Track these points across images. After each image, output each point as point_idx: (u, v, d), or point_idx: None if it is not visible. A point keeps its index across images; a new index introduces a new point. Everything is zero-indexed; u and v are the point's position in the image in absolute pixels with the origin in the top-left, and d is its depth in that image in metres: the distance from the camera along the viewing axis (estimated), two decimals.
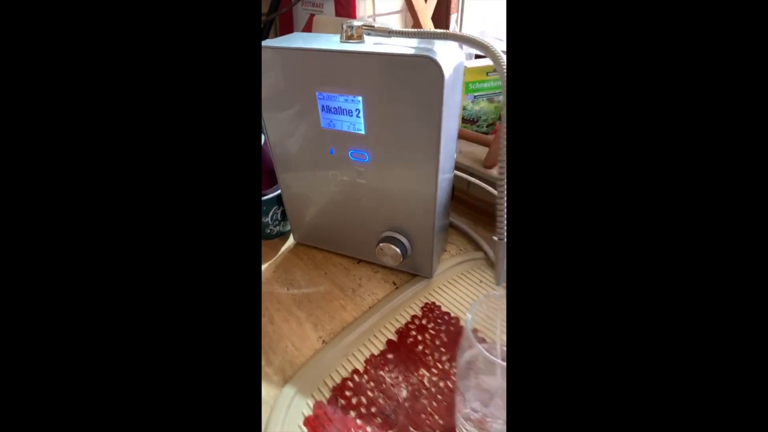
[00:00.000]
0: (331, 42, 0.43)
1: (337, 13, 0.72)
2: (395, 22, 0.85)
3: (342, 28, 0.43)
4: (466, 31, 0.76)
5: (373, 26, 0.41)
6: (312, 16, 0.77)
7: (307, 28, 0.79)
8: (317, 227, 0.59)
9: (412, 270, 0.56)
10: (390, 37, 0.41)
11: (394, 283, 0.56)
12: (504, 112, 0.38)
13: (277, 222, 0.62)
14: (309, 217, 0.59)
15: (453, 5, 0.80)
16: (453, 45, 0.41)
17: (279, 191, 0.59)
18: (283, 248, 0.63)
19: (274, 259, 0.61)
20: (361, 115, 0.44)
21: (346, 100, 0.43)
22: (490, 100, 0.68)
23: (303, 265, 0.60)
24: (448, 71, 0.38)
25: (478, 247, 0.61)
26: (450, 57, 0.39)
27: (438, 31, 0.38)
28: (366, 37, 0.43)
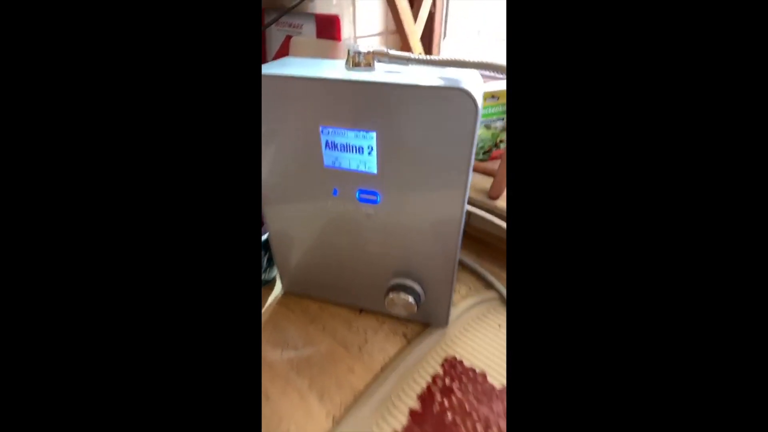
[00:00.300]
0: (335, 69, 0.37)
1: (319, 35, 0.66)
2: (376, 45, 0.80)
3: (348, 53, 0.37)
4: (445, 54, 0.73)
5: (388, 52, 0.36)
6: (289, 37, 0.70)
7: (283, 50, 0.72)
8: (311, 274, 0.52)
9: (425, 319, 0.50)
10: (408, 65, 0.36)
11: (405, 336, 0.50)
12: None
13: (262, 269, 0.54)
14: (302, 263, 0.51)
15: (436, 30, 0.77)
16: (473, 72, 0.37)
17: (265, 235, 0.51)
18: (270, 299, 0.55)
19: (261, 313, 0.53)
20: (373, 152, 0.38)
21: (357, 135, 0.37)
22: (487, 127, 0.65)
23: (296, 318, 0.52)
24: (480, 103, 0.33)
25: (488, 285, 0.56)
26: (476, 86, 0.34)
27: (470, 60, 0.33)
28: (377, 65, 0.37)
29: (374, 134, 0.37)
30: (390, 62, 0.36)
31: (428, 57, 0.34)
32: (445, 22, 0.76)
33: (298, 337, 0.49)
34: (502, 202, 0.57)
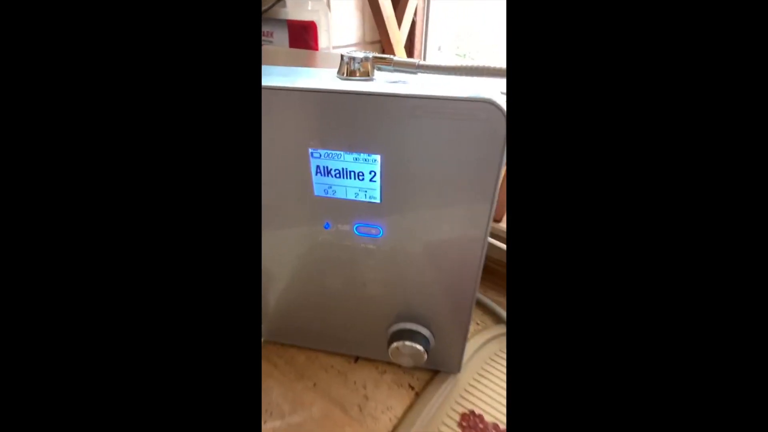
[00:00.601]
0: (324, 79, 0.30)
1: (292, 44, 0.60)
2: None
3: (342, 60, 0.31)
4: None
5: (392, 59, 0.30)
6: None
7: None
8: (298, 320, 0.44)
9: (433, 365, 0.43)
10: (416, 73, 0.30)
11: (411, 387, 0.43)
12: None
13: None
14: (287, 307, 0.43)
15: (417, 39, 0.73)
16: (496, 83, 0.31)
17: None
18: None
19: None
20: (377, 178, 0.31)
21: (357, 159, 0.30)
22: None
23: (280, 375, 0.43)
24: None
25: (498, 319, 0.50)
26: (501, 97, 0.29)
27: (494, 67, 0.27)
28: (377, 73, 0.31)
29: (378, 157, 0.30)
30: (394, 71, 0.30)
31: (444, 64, 0.29)
32: (426, 31, 0.72)
33: (284, 400, 0.41)
34: (504, 225, 0.52)
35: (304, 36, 0.56)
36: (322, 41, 0.59)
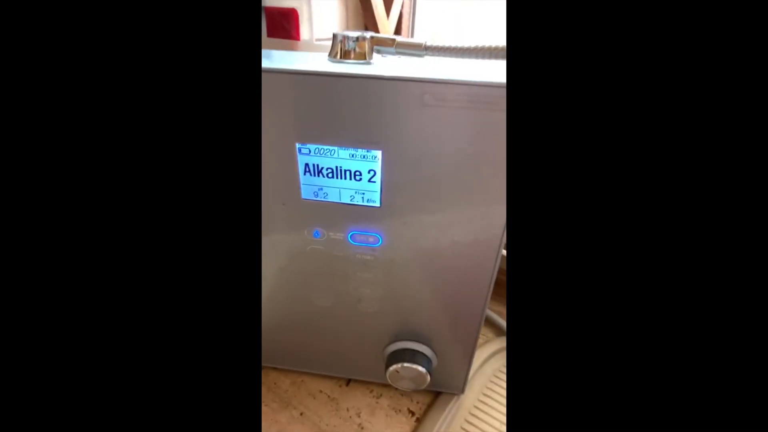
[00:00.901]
0: (314, 62, 0.26)
1: (270, 34, 0.54)
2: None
3: (336, 39, 0.26)
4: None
5: (394, 39, 0.25)
6: None
7: None
8: (282, 341, 0.39)
9: (435, 386, 0.39)
10: (423, 56, 0.26)
11: (411, 412, 0.38)
12: None
13: None
14: (270, 325, 0.38)
15: (404, 32, 0.69)
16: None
17: None
18: None
19: None
20: (377, 178, 0.27)
21: (353, 156, 0.26)
22: None
23: (261, 404, 0.38)
24: None
25: (500, 332, 0.47)
26: None
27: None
28: (375, 56, 0.27)
29: (379, 153, 0.26)
30: (397, 53, 0.26)
31: (458, 45, 0.24)
32: (413, 24, 0.68)
33: None
34: None
35: (284, 24, 0.51)
36: (304, 32, 0.54)
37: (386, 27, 0.51)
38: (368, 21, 0.50)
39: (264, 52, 0.29)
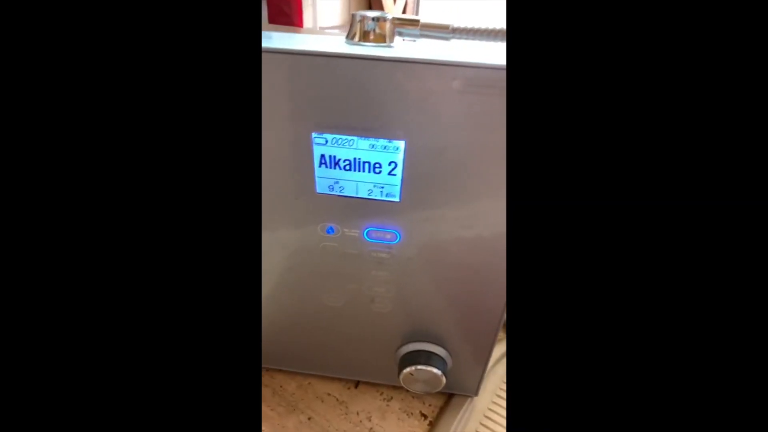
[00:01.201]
0: (331, 44, 0.24)
1: (272, 20, 0.52)
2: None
3: (354, 20, 0.24)
4: None
5: (418, 21, 0.23)
6: None
7: None
8: (289, 342, 0.37)
9: (448, 388, 0.38)
10: (450, 39, 0.24)
11: (424, 415, 0.37)
12: None
13: None
14: (276, 326, 0.36)
15: (409, 11, 0.67)
16: None
17: None
18: None
19: None
20: (398, 170, 0.25)
21: (374, 146, 0.24)
22: None
23: (267, 408, 0.36)
24: None
25: None
26: None
27: None
28: (396, 39, 0.25)
29: (402, 144, 0.24)
30: (421, 36, 0.24)
31: (489, 27, 0.23)
32: (417, 12, 0.66)
33: None
34: None
35: (286, 10, 0.49)
36: (307, 19, 0.52)
37: (392, 12, 0.49)
38: (376, 8, 0.48)
39: (276, 34, 0.27)
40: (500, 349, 0.43)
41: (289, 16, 0.50)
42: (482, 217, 0.26)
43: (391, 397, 0.38)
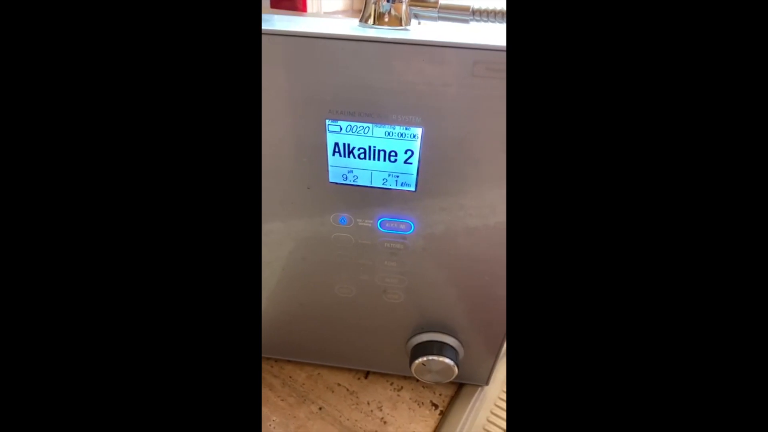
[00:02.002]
0: (343, 27, 0.23)
1: (273, 5, 0.51)
2: None
3: (368, 1, 0.23)
4: None
5: (437, 2, 0.22)
6: None
7: None
8: (299, 332, 0.37)
9: (459, 379, 0.38)
10: (469, 21, 0.23)
11: (435, 405, 0.37)
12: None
13: None
14: (287, 316, 0.35)
15: None
16: None
17: None
18: None
19: None
20: (414, 159, 0.24)
21: (389, 134, 0.23)
22: None
23: (277, 399, 0.36)
24: None
25: None
26: None
27: None
28: (413, 21, 0.24)
29: (419, 131, 0.23)
30: (439, 18, 0.23)
31: (505, 9, 0.22)
32: None
33: (285, 431, 0.34)
34: None
35: None
36: (312, 3, 0.50)
37: None
38: None
39: (285, 17, 0.26)
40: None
41: (292, 0, 0.49)
42: (498, 207, 0.26)
43: (402, 387, 0.38)
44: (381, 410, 0.36)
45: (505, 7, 0.22)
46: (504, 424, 0.35)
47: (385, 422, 0.35)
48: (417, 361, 0.33)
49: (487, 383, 0.38)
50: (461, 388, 0.38)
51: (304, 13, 0.48)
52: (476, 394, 0.37)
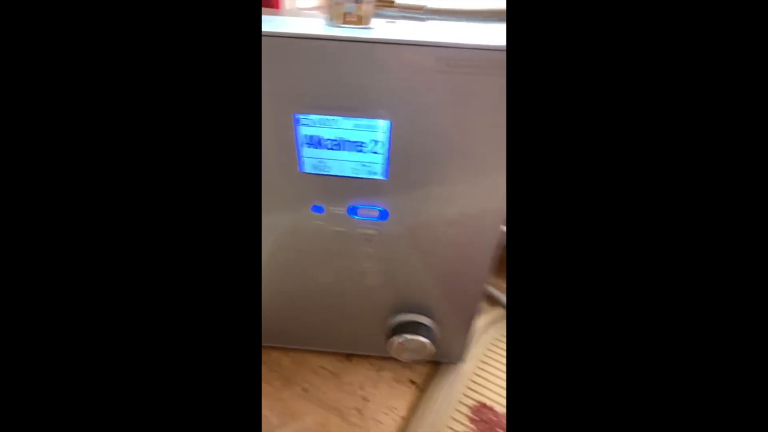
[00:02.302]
0: (310, 26, 0.24)
1: None
2: None
3: (333, 3, 0.25)
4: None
5: (393, 2, 0.24)
6: None
7: None
8: (282, 318, 0.38)
9: (435, 357, 0.40)
10: (425, 20, 0.25)
11: (413, 382, 0.39)
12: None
13: None
14: (269, 303, 0.37)
15: None
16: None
17: None
18: None
19: None
20: (380, 148, 0.26)
21: (358, 126, 0.25)
22: None
23: (264, 383, 0.38)
24: None
25: (494, 302, 0.48)
26: None
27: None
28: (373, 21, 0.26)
29: (383, 123, 0.25)
30: (400, 16, 0.25)
31: (457, 8, 0.23)
32: None
33: (271, 413, 0.36)
34: None
35: None
36: (287, 0, 0.51)
37: None
38: None
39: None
40: (483, 320, 0.45)
41: None
42: (467, 195, 0.28)
43: (382, 368, 0.40)
44: (363, 389, 0.38)
45: (455, 6, 0.24)
46: (478, 398, 0.37)
47: (366, 399, 0.37)
48: (394, 340, 0.35)
49: (462, 360, 0.40)
50: (439, 366, 0.40)
51: (277, 10, 0.49)
52: (452, 371, 0.39)
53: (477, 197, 0.27)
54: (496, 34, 0.23)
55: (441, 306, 0.35)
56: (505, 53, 0.21)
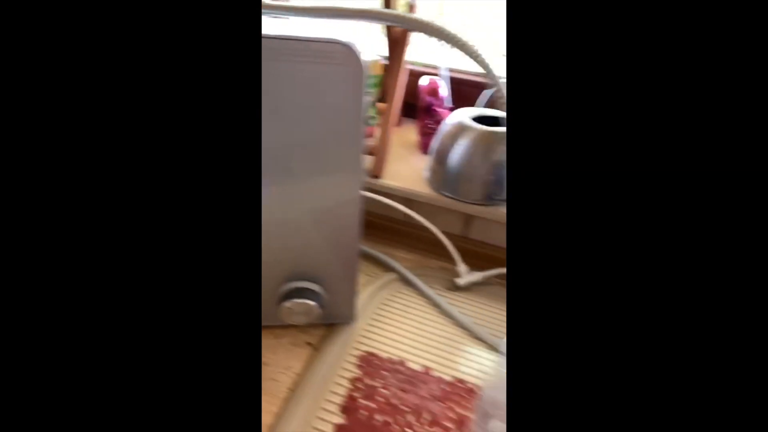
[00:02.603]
0: None
1: None
2: None
3: None
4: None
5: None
6: None
7: None
8: None
9: (330, 320, 0.45)
10: (289, 17, 0.29)
11: (309, 344, 0.43)
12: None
13: None
14: None
15: None
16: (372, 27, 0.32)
17: None
18: None
19: None
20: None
21: None
22: None
23: None
24: (365, 60, 0.28)
25: (386, 268, 0.54)
26: (369, 43, 0.30)
27: (371, 9, 0.27)
28: None
29: None
30: (266, 14, 0.28)
31: (319, 6, 0.28)
32: None
33: None
34: (384, 181, 0.55)
35: None
36: None
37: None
38: None
39: None
40: (375, 284, 0.51)
41: None
42: (325, 167, 0.32)
43: (282, 336, 0.44)
44: (262, 356, 0.41)
45: (300, 4, 0.28)
46: (366, 348, 0.43)
47: (266, 364, 0.41)
48: (283, 305, 0.39)
49: (353, 320, 0.45)
50: (333, 327, 0.45)
51: None
52: (345, 330, 0.44)
53: (334, 167, 0.32)
54: (329, 29, 0.28)
55: (322, 270, 0.40)
56: (315, 43, 0.26)
